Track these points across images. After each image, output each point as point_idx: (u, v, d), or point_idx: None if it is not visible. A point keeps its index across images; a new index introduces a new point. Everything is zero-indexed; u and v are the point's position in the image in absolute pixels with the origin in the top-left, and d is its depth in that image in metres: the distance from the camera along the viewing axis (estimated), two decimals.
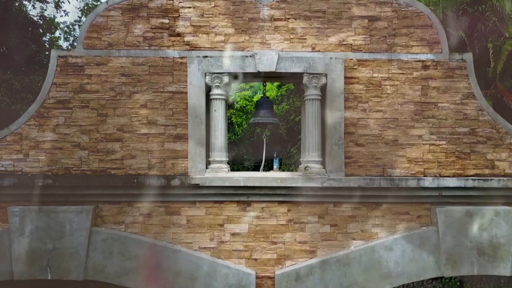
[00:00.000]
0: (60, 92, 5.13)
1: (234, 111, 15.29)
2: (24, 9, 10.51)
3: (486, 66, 9.83)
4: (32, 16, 11.04)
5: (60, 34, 13.42)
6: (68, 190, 5.04)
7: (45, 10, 11.63)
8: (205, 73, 5.10)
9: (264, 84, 6.07)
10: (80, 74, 5.13)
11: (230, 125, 14.97)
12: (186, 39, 5.20)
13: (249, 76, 5.39)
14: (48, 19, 11.51)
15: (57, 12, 12.15)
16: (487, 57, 9.65)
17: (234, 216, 5.14)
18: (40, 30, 11.10)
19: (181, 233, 5.11)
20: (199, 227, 5.12)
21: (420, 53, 5.24)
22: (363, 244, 5.11)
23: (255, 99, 15.05)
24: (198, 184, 5.00)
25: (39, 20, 11.21)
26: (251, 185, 5.02)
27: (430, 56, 5.24)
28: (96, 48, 5.18)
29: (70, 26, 15.51)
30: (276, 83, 15.82)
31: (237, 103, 15.45)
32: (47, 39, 12.06)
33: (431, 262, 5.03)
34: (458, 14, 9.71)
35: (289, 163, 14.71)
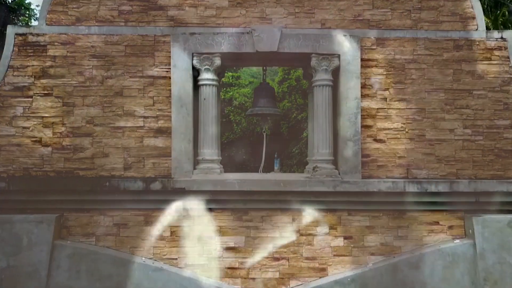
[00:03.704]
0: (18, 77, 4.70)
1: (233, 108, 14.75)
2: None
3: None
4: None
5: (33, 17, 12.71)
6: (26, 195, 4.65)
7: None
8: (193, 54, 4.65)
9: (264, 68, 5.57)
10: (42, 56, 4.69)
11: (228, 124, 14.41)
12: (170, 13, 4.74)
13: (246, 58, 4.95)
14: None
15: None
16: None
17: (228, 227, 4.75)
18: (12, 14, 10.53)
19: (163, 247, 4.70)
20: (185, 240, 4.71)
21: (452, 30, 4.77)
22: (384, 261, 4.73)
23: None
24: (184, 188, 4.60)
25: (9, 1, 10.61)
26: (249, 190, 4.63)
27: (463, 34, 4.76)
28: (61, 24, 4.72)
29: None
30: (277, 79, 15.38)
31: (235, 99, 14.92)
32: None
33: (466, 282, 4.62)
34: None
35: (290, 164, 14.43)
